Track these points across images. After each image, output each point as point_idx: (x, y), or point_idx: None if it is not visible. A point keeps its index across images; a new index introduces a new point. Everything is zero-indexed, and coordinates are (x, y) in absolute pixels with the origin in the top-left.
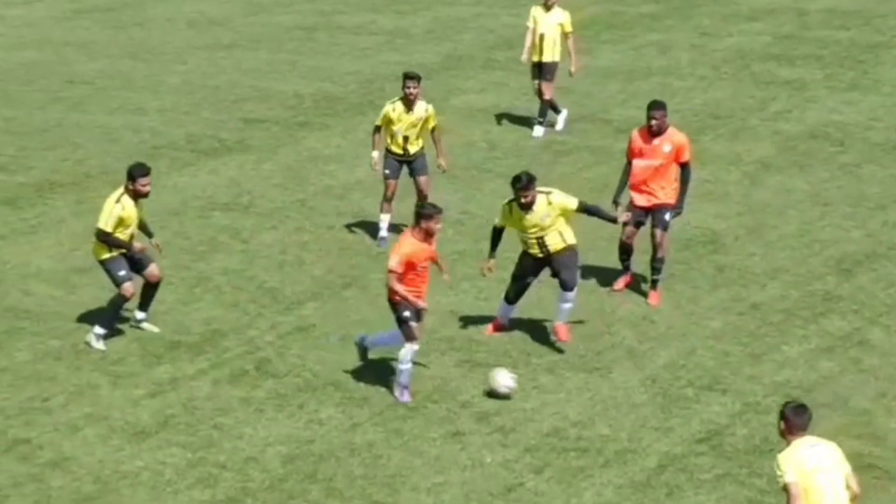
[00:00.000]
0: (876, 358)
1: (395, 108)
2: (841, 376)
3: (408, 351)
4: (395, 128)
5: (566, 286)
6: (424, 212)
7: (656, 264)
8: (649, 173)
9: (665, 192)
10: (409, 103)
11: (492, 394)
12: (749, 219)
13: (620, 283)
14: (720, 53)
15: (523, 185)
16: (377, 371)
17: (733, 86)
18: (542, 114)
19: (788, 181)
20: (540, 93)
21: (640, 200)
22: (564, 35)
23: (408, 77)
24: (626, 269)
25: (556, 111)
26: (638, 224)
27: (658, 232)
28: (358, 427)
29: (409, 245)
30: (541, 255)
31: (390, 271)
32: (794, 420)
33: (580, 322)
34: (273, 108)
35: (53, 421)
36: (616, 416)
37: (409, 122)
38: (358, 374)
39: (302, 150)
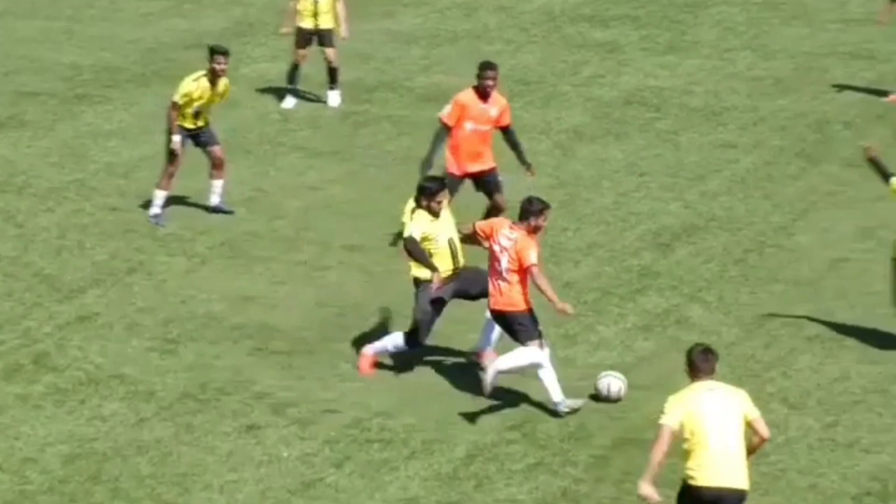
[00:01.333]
0: (696, 336)
1: (199, 85)
2: (659, 356)
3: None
4: (196, 104)
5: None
6: (533, 208)
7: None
8: (479, 138)
9: (491, 156)
10: (215, 79)
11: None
12: (561, 192)
13: None
14: (529, 15)
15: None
16: (163, 362)
17: (543, 49)
18: (335, 80)
19: (602, 151)
20: (329, 60)
21: (473, 167)
22: None
23: (218, 52)
24: None
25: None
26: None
27: (500, 197)
28: (145, 423)
29: (532, 241)
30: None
31: (532, 266)
32: (699, 364)
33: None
34: (48, 81)
35: None
36: (422, 405)
37: (209, 98)
38: (144, 367)
39: (81, 125)
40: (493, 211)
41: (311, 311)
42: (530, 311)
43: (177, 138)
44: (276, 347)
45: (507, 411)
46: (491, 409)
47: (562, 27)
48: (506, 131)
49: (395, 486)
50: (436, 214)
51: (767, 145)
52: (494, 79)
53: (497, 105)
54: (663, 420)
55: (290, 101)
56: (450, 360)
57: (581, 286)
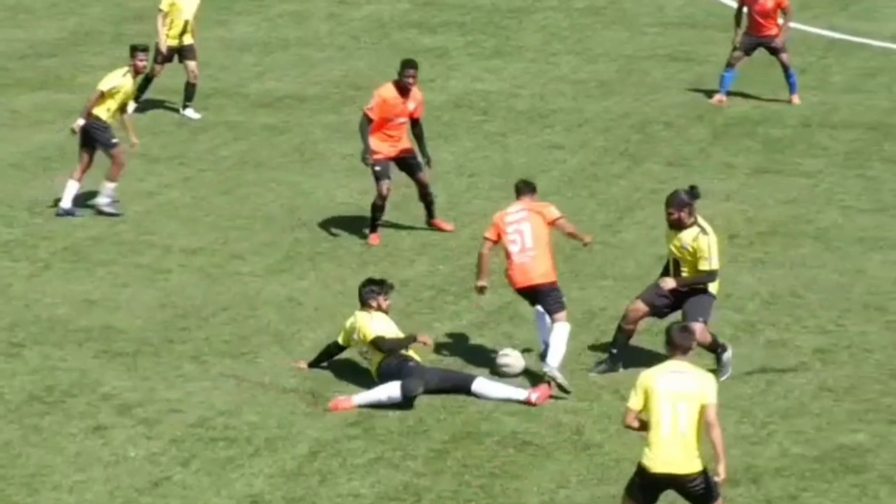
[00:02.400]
0: (528, 332)
1: (126, 81)
2: (494, 352)
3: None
4: (119, 99)
5: None
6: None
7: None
8: (397, 128)
9: (408, 141)
10: (136, 75)
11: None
12: (395, 193)
13: (375, 240)
14: (359, 22)
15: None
16: (9, 366)
17: (373, 55)
18: (191, 97)
19: (433, 152)
20: (195, 76)
21: (392, 151)
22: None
23: (140, 49)
24: (376, 227)
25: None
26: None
27: (422, 175)
28: None
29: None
30: None
31: (559, 217)
32: (675, 339)
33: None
34: None
35: None
36: (264, 403)
37: (129, 94)
38: None
39: None
40: (421, 189)
41: (153, 312)
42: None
43: (79, 122)
44: (121, 349)
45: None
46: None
47: (391, 34)
48: (415, 123)
49: (240, 483)
50: (385, 311)
51: (592, 146)
52: (414, 76)
53: (415, 100)
54: (629, 401)
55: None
56: (289, 359)
57: (416, 284)
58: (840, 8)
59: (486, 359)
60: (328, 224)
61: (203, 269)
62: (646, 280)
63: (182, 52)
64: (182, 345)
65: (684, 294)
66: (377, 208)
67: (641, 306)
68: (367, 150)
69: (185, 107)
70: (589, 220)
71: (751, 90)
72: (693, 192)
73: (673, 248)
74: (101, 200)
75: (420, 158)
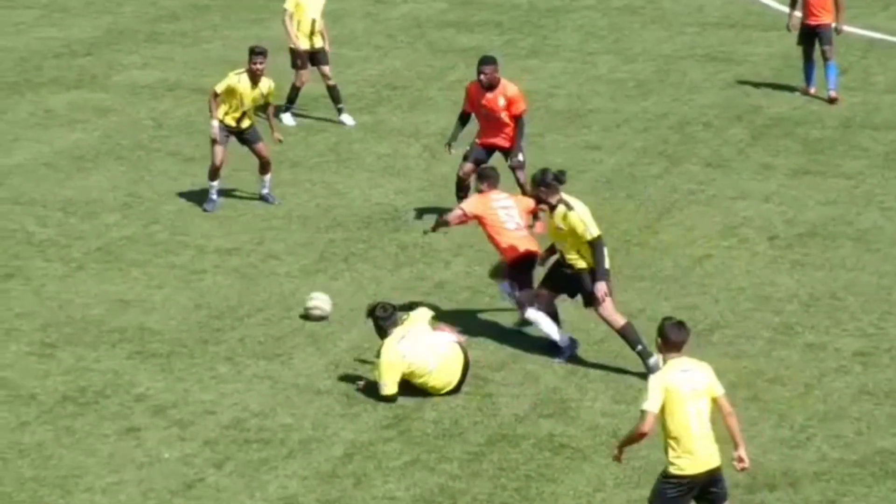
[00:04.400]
0: (566, 332)
1: (239, 80)
2: (531, 354)
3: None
4: (236, 100)
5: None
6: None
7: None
8: (490, 124)
9: (505, 138)
10: (255, 78)
11: (308, 316)
12: (431, 194)
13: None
14: (395, 22)
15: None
16: (43, 366)
17: (410, 55)
18: (339, 99)
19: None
20: (329, 78)
21: (485, 141)
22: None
23: (254, 52)
24: None
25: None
26: (477, 161)
27: (520, 173)
28: (26, 426)
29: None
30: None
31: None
32: (671, 336)
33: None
34: None
35: None
36: (299, 405)
37: (249, 97)
38: (23, 370)
39: None
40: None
41: (188, 313)
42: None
43: (214, 123)
44: (155, 350)
45: (382, 410)
46: (366, 409)
47: (427, 33)
48: (519, 117)
49: (274, 485)
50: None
51: (630, 146)
52: (486, 73)
53: (503, 95)
54: (646, 406)
55: (288, 118)
56: (323, 360)
57: (452, 286)
58: (881, 8)
59: (524, 359)
60: (363, 224)
61: (238, 270)
62: (683, 281)
63: (313, 56)
64: (216, 346)
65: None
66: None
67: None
68: (451, 137)
69: (339, 111)
70: (627, 220)
71: (791, 90)
72: (558, 177)
73: (551, 233)
74: (264, 190)
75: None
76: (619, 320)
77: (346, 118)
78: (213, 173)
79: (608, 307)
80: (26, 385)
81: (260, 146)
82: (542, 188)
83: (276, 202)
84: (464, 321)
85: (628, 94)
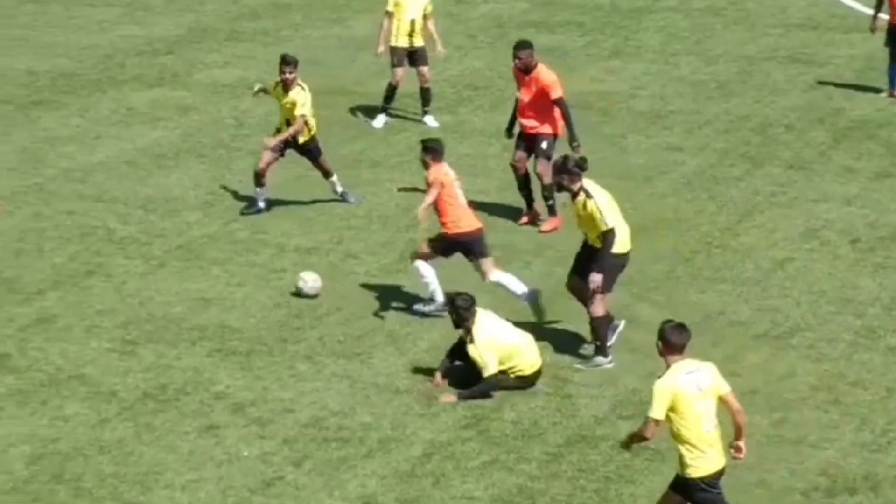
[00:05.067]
0: (645, 335)
1: (275, 89)
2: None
3: None
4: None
5: None
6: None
7: (545, 192)
8: (526, 105)
9: (540, 124)
10: (286, 87)
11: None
12: (511, 194)
13: (524, 219)
14: (476, 21)
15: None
16: (123, 363)
17: (491, 55)
18: (428, 101)
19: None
20: (426, 80)
21: (526, 127)
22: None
23: (283, 62)
24: (529, 205)
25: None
26: (528, 149)
27: (538, 161)
28: (106, 423)
29: None
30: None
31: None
32: (672, 339)
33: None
34: (5, 87)
35: None
36: (378, 404)
37: (284, 106)
38: (104, 367)
39: (38, 130)
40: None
41: (267, 312)
42: None
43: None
44: (234, 348)
45: (461, 410)
46: (445, 408)
47: (508, 33)
48: (556, 103)
49: (353, 484)
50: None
51: (712, 148)
52: (520, 58)
53: (535, 81)
54: (652, 414)
55: (380, 120)
56: (403, 360)
57: (532, 286)
58: None
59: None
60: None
61: (317, 269)
62: (765, 285)
63: (412, 56)
64: (296, 344)
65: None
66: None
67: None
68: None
69: (424, 113)
70: (708, 222)
71: (875, 91)
72: (580, 164)
73: (576, 220)
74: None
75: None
76: (600, 310)
77: (430, 119)
78: (256, 177)
79: (596, 298)
80: (107, 382)
81: (321, 160)
82: (564, 175)
83: (356, 202)
84: (546, 321)
85: (710, 96)
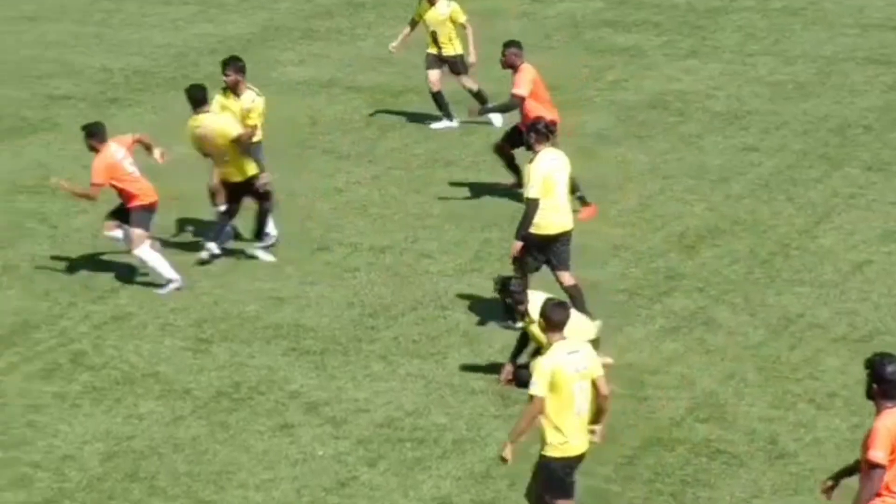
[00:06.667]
0: (722, 337)
1: (224, 95)
2: (687, 357)
3: None
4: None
5: None
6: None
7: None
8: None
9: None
10: (233, 91)
11: None
12: (587, 194)
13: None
14: (551, 21)
15: None
16: (197, 362)
17: (566, 55)
18: (484, 102)
19: (627, 153)
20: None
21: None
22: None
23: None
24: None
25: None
26: (513, 142)
27: None
28: (181, 421)
29: None
30: None
31: None
32: (553, 317)
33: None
34: (80, 84)
35: None
36: (453, 404)
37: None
38: (178, 365)
39: (111, 128)
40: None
41: (341, 311)
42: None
43: None
44: (309, 347)
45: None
46: (520, 410)
47: (583, 32)
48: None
49: (428, 485)
50: None
51: (790, 149)
52: (505, 55)
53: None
54: (534, 391)
55: (443, 123)
56: (478, 360)
57: (607, 287)
58: None
59: (677, 365)
60: (509, 227)
61: (392, 268)
62: (843, 287)
63: (448, 64)
64: (370, 344)
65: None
66: None
67: None
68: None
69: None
70: (786, 224)
71: None
72: (549, 128)
73: None
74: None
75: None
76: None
77: (495, 119)
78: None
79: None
80: (181, 380)
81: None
82: (532, 134)
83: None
84: (618, 323)
85: (788, 97)
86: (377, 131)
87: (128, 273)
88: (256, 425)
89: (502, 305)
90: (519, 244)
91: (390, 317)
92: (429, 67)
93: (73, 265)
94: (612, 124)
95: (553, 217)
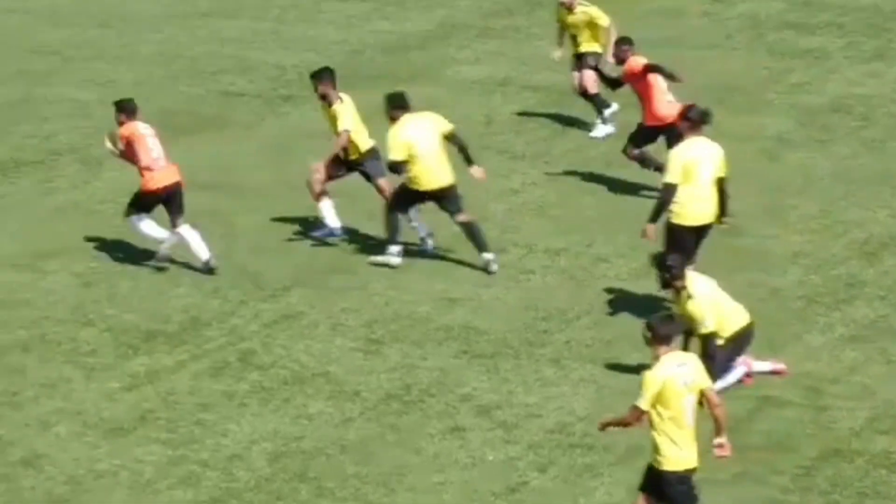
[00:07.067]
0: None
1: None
2: (867, 367)
3: None
4: None
5: None
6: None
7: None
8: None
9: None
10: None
11: None
12: (767, 198)
13: None
14: (733, 21)
15: None
16: (368, 363)
17: (747, 56)
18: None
19: (808, 158)
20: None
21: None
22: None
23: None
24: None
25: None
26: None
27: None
28: (350, 422)
29: None
30: None
31: None
32: (660, 330)
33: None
34: (255, 81)
35: (23, 417)
36: (626, 411)
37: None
38: (348, 366)
39: (286, 125)
40: None
41: (515, 314)
42: None
43: None
44: (481, 350)
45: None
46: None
47: (765, 34)
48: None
49: (600, 492)
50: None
51: None
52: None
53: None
54: (640, 404)
55: (600, 130)
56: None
57: (787, 294)
58: None
59: (858, 375)
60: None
61: (567, 271)
62: None
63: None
64: (542, 348)
65: None
66: None
67: None
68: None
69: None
70: None
71: None
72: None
73: None
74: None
75: None
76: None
77: (598, 129)
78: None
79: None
80: (351, 381)
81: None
82: (686, 121)
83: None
84: (797, 331)
85: None
86: (552, 131)
87: (298, 271)
88: (427, 428)
89: (659, 281)
90: (652, 227)
91: (564, 320)
92: (573, 68)
93: (244, 263)
94: (792, 128)
95: (692, 206)
